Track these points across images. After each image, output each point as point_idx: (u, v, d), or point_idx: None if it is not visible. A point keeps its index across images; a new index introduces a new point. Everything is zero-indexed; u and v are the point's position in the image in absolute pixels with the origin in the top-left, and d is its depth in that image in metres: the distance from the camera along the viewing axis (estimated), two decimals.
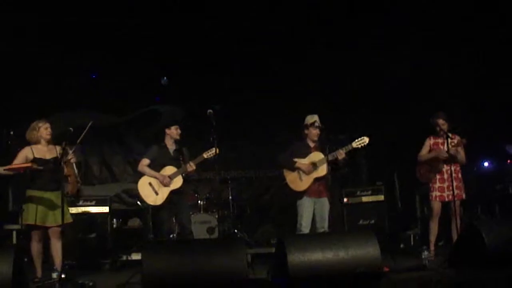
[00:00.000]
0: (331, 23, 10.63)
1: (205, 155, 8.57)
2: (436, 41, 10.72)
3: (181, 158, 8.81)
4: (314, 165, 8.42)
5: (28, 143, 7.94)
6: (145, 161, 8.87)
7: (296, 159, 8.53)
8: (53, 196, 7.83)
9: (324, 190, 8.57)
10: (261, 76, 11.86)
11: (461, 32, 10.46)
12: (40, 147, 7.91)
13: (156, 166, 8.81)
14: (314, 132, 8.62)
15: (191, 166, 8.62)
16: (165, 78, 11.25)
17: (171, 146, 8.96)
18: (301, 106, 10.18)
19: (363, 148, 8.45)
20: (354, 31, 10.77)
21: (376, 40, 10.84)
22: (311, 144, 8.69)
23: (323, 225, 8.48)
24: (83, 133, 7.77)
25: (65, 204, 7.66)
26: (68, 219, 7.88)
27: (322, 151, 8.47)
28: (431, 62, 10.95)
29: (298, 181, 8.53)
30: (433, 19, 10.35)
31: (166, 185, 8.66)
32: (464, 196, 8.75)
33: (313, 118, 8.67)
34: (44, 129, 7.95)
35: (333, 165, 8.40)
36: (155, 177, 8.73)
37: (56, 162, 7.78)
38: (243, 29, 10.82)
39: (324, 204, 8.56)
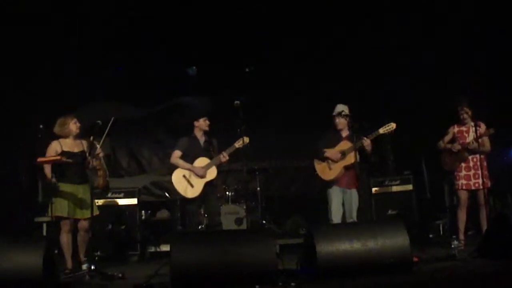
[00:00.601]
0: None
1: (236, 145, 8.60)
2: (464, 26, 10.62)
3: (211, 149, 8.83)
4: (343, 154, 8.42)
5: (56, 137, 8.05)
6: (177, 153, 8.86)
7: (326, 149, 8.53)
8: (81, 189, 7.97)
9: (354, 181, 8.55)
10: (288, 65, 11.82)
11: (488, 16, 10.35)
12: (68, 141, 8.04)
13: (188, 158, 8.81)
14: (341, 121, 8.63)
15: (224, 157, 8.65)
16: (193, 67, 11.26)
17: (201, 137, 8.97)
18: (326, 95, 10.17)
19: (390, 134, 8.42)
20: (380, 14, 10.72)
21: (402, 26, 10.77)
22: (343, 134, 8.70)
23: (352, 216, 8.50)
24: (107, 128, 7.82)
25: (93, 197, 7.87)
26: (96, 212, 8.04)
27: (352, 139, 8.46)
28: (456, 47, 10.85)
29: (327, 170, 8.55)
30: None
31: (202, 176, 8.67)
32: (489, 184, 8.63)
33: (339, 108, 8.67)
34: (73, 124, 8.08)
35: (361, 153, 8.37)
36: (190, 170, 8.73)
37: (84, 156, 7.89)
38: (265, 17, 10.82)
39: (353, 195, 8.57)
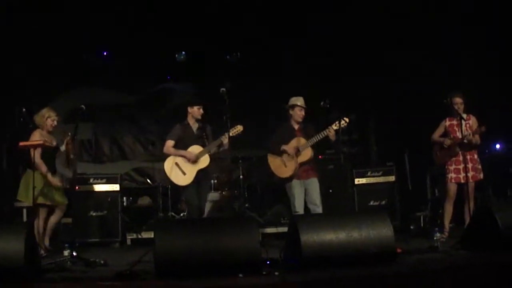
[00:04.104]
0: None
1: (231, 133, 8.54)
2: (452, 20, 10.64)
3: (204, 136, 8.77)
4: (297, 151, 8.43)
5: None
6: (170, 143, 8.83)
7: (284, 146, 8.59)
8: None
9: (312, 170, 8.65)
10: (272, 53, 11.82)
11: (479, 13, 10.38)
12: (44, 133, 8.38)
13: (181, 145, 8.78)
14: (299, 114, 8.68)
15: (225, 138, 8.53)
16: (183, 53, 11.20)
17: (193, 124, 8.92)
18: (313, 84, 10.18)
19: (344, 131, 8.47)
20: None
21: (387, 13, 10.80)
22: (295, 126, 8.75)
23: (315, 203, 8.51)
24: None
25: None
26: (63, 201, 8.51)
27: (306, 133, 8.57)
28: (446, 41, 10.88)
29: (282, 168, 8.61)
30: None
31: (194, 162, 8.64)
32: (481, 176, 8.70)
33: (297, 100, 8.73)
34: (51, 121, 8.43)
35: (324, 143, 8.47)
36: (182, 156, 8.70)
37: (56, 150, 8.46)
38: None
39: (313, 183, 8.61)
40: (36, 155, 7.93)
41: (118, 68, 11.92)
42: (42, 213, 8.27)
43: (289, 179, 8.55)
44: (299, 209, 8.46)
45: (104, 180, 10.08)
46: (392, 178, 10.40)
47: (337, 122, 8.26)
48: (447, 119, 8.85)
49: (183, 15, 10.85)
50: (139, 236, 9.84)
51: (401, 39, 11.04)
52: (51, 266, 6.91)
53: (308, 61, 11.79)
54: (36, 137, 8.14)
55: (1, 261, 5.91)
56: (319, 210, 8.44)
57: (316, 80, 11.27)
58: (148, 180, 11.07)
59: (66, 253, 7.38)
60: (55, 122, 8.46)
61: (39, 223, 8.19)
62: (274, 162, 8.66)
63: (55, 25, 10.43)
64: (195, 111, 8.87)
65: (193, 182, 8.64)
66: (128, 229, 10.07)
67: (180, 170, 8.67)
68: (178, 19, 10.94)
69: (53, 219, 8.45)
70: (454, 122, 8.76)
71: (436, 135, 8.90)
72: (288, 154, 8.51)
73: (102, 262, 7.31)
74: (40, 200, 8.06)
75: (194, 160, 8.63)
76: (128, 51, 11.59)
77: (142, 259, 6.76)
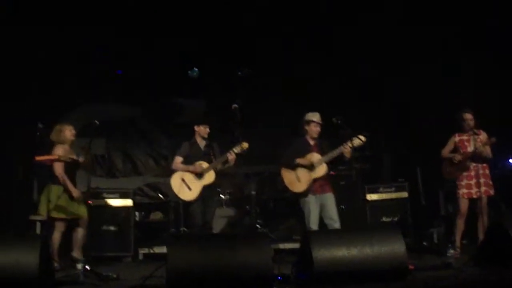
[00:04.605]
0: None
1: (235, 150, 8.68)
2: (466, 38, 10.64)
3: (211, 153, 8.88)
4: (312, 166, 8.42)
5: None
6: (179, 159, 9.04)
7: (298, 160, 8.56)
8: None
9: (327, 186, 8.59)
10: (285, 71, 11.86)
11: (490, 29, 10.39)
12: (65, 148, 8.35)
13: (188, 163, 8.96)
14: (315, 130, 8.65)
15: (231, 154, 8.68)
16: (196, 69, 11.25)
17: (201, 142, 9.12)
18: (323, 101, 10.19)
19: (358, 148, 8.45)
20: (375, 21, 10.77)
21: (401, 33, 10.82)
22: (311, 142, 8.70)
23: (332, 217, 8.45)
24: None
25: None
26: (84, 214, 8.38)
27: (321, 149, 8.53)
28: (456, 58, 10.89)
29: (296, 183, 8.56)
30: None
31: (201, 174, 8.78)
32: (492, 192, 8.68)
33: (314, 116, 8.69)
34: (68, 131, 8.44)
35: (339, 160, 8.44)
36: (190, 171, 8.86)
37: (77, 164, 8.44)
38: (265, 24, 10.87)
39: (329, 198, 8.55)
40: (60, 169, 8.13)
41: (131, 82, 11.98)
42: (60, 227, 8.26)
43: (304, 194, 8.49)
44: (313, 225, 8.39)
45: (117, 195, 10.12)
46: (404, 194, 10.37)
47: (353, 139, 8.24)
48: (457, 134, 8.88)
49: (196, 30, 10.91)
50: (151, 251, 9.84)
51: (413, 55, 11.05)
52: (64, 279, 6.95)
53: (321, 77, 11.80)
54: (60, 151, 8.22)
55: (15, 273, 5.95)
56: (337, 225, 8.37)
57: (328, 95, 11.25)
58: (160, 195, 11.10)
59: (79, 266, 7.39)
60: (73, 131, 8.46)
61: (55, 237, 8.21)
62: (287, 177, 8.63)
63: (67, 40, 10.50)
64: (202, 130, 9.06)
65: (198, 197, 8.79)
66: (140, 244, 10.10)
67: (186, 185, 8.85)
68: (191, 35, 11.00)
69: (80, 232, 8.42)
70: (464, 137, 8.78)
71: (446, 151, 8.91)
72: (303, 167, 8.47)
73: (114, 276, 7.35)
74: (58, 214, 8.13)
75: (200, 172, 8.77)
76: (141, 66, 11.64)
77: (154, 274, 6.77)
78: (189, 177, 8.86)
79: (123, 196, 10.12)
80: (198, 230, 8.78)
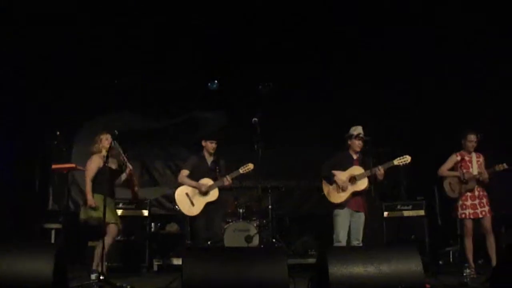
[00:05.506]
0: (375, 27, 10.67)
1: (241, 171, 8.86)
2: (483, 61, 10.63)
3: (217, 170, 8.96)
4: (353, 179, 8.39)
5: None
6: (185, 172, 9.10)
7: (335, 172, 8.50)
8: (112, 202, 8.36)
9: (363, 204, 8.54)
10: (305, 85, 11.86)
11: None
12: (102, 156, 8.33)
13: (193, 177, 9.04)
14: (357, 143, 8.61)
15: (227, 180, 8.82)
16: (215, 82, 11.30)
17: (208, 157, 9.17)
18: (344, 116, 10.18)
19: (405, 166, 8.43)
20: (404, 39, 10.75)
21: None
22: (354, 156, 8.67)
23: (358, 238, 8.45)
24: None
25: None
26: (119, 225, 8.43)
27: (364, 163, 8.44)
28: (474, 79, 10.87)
29: (335, 194, 8.51)
30: None
31: (205, 193, 8.87)
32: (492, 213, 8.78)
33: (357, 130, 8.65)
34: (105, 140, 8.40)
35: (373, 179, 8.36)
36: (195, 187, 8.93)
37: (118, 173, 8.47)
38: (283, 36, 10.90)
39: (361, 218, 8.53)
40: (87, 177, 8.21)
41: (150, 93, 12.03)
42: (113, 232, 8.26)
43: (340, 205, 8.47)
44: (343, 239, 8.36)
45: (133, 206, 10.16)
46: (422, 212, 10.33)
47: (399, 159, 8.33)
48: (458, 154, 8.97)
49: (218, 44, 10.94)
50: (166, 263, 9.84)
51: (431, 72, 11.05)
52: None
53: (340, 93, 11.80)
54: (96, 162, 8.26)
55: (29, 281, 5.94)
56: None
57: (349, 111, 11.23)
58: (177, 207, 11.09)
59: (93, 277, 7.42)
60: (110, 139, 8.31)
61: (109, 240, 8.13)
62: (327, 188, 8.61)
63: (85, 48, 10.57)
64: (208, 145, 9.12)
65: (201, 213, 8.88)
66: (155, 255, 10.09)
67: (190, 200, 8.95)
68: (213, 48, 11.03)
69: (107, 240, 8.18)
70: (466, 157, 8.86)
71: (445, 169, 8.97)
72: (338, 186, 8.46)
73: (128, 287, 7.33)
74: (111, 220, 8.16)
75: (204, 192, 8.86)
76: (161, 77, 11.68)
77: (170, 286, 6.76)
78: (193, 193, 8.97)
79: (139, 206, 10.15)
80: (203, 243, 8.83)
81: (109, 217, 8.02)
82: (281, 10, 10.34)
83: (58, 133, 8.06)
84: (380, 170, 8.27)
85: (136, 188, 8.85)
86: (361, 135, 8.57)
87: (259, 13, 10.32)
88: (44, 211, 10.84)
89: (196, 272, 6.03)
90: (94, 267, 7.95)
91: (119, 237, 9.73)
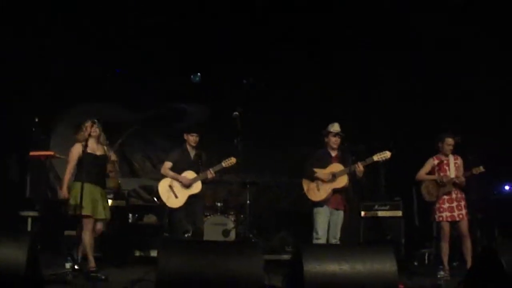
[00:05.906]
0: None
1: (223, 164, 8.87)
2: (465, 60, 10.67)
3: (200, 163, 8.98)
4: (333, 176, 8.39)
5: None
6: (168, 164, 9.08)
7: (316, 169, 8.50)
8: (99, 191, 8.12)
9: (342, 202, 8.59)
10: (286, 81, 11.87)
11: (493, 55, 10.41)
12: (90, 144, 8.07)
13: (176, 170, 9.01)
14: (333, 140, 8.63)
15: (211, 174, 8.85)
16: (198, 74, 11.27)
17: (191, 150, 9.16)
18: (323, 113, 10.19)
19: (384, 162, 8.44)
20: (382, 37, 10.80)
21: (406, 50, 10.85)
22: (332, 153, 8.69)
23: (336, 236, 8.49)
24: (125, 135, 7.99)
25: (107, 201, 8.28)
26: (109, 216, 8.24)
27: (343, 160, 8.46)
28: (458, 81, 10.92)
29: (315, 191, 8.52)
30: None
31: (188, 186, 8.86)
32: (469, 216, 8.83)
33: (333, 127, 8.67)
34: (90, 127, 8.12)
35: (352, 176, 8.38)
36: (177, 179, 8.91)
37: (105, 160, 8.21)
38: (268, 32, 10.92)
39: (340, 216, 8.56)
40: (69, 165, 8.05)
41: (131, 84, 11.98)
42: (88, 224, 7.86)
43: (320, 203, 8.48)
44: (322, 236, 8.39)
45: (111, 195, 10.07)
46: (399, 213, 10.37)
47: (378, 154, 8.31)
48: (435, 157, 8.98)
49: (200, 36, 10.92)
50: (142, 254, 9.82)
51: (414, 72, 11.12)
52: (52, 278, 6.92)
53: (323, 91, 11.82)
54: (77, 148, 8.02)
55: (2, 269, 5.89)
56: None
57: (329, 108, 11.27)
58: (155, 199, 11.07)
59: (67, 265, 7.39)
60: (95, 127, 8.12)
61: (87, 234, 7.83)
62: (308, 185, 8.61)
63: (64, 39, 10.51)
64: (190, 138, 9.11)
65: (183, 206, 8.88)
66: (132, 246, 10.05)
67: (173, 192, 8.93)
68: (195, 40, 11.01)
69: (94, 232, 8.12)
70: (444, 160, 8.88)
71: (423, 173, 9.00)
72: (322, 181, 8.47)
73: (103, 277, 7.32)
74: (85, 211, 7.71)
75: (187, 185, 8.85)
76: (142, 68, 11.65)
77: (145, 277, 6.75)
78: (176, 185, 8.95)
79: (117, 197, 10.10)
80: (181, 236, 8.89)
81: (100, 213, 7.99)
82: (265, 4, 10.34)
83: (36, 119, 7.97)
84: (359, 167, 8.27)
85: (114, 178, 8.83)
86: (337, 132, 8.59)
87: (244, 7, 10.33)
88: (21, 198, 10.75)
89: (171, 265, 6.01)
90: (79, 255, 7.85)
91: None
